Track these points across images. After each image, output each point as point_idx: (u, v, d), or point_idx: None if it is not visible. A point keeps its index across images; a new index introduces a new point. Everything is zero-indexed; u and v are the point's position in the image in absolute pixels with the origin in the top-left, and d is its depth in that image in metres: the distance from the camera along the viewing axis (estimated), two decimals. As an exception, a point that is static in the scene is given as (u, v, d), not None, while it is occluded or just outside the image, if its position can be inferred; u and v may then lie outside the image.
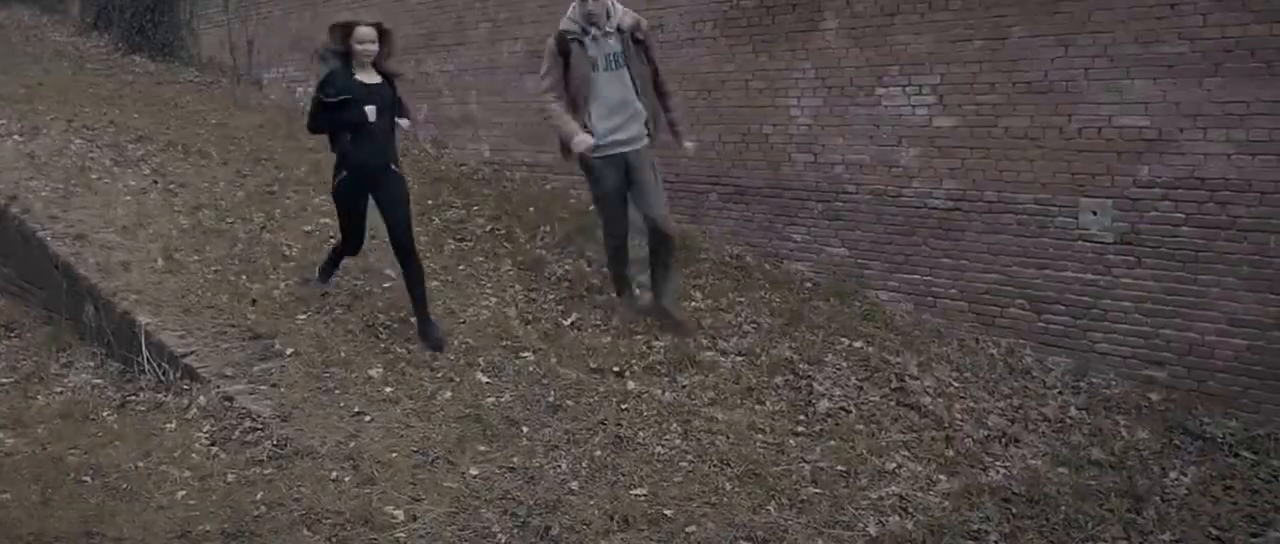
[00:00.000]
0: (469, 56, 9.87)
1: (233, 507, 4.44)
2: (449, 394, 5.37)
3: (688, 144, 6.43)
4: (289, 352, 5.84)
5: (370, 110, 5.82)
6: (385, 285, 6.69)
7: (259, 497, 4.52)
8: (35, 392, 6.10)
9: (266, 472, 4.75)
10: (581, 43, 6.03)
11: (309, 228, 7.68)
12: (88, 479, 4.82)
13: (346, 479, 4.67)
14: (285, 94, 12.33)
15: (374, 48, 5.91)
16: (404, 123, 6.22)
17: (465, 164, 9.77)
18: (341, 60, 5.95)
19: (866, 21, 6.87)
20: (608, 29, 6.02)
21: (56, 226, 7.34)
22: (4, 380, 6.33)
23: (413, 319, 6.09)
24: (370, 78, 5.95)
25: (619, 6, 6.09)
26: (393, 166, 6.05)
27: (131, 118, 10.29)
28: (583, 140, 6.02)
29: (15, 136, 9.27)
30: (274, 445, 4.96)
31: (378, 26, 5.99)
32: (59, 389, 6.12)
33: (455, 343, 6.02)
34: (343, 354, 5.80)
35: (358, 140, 5.86)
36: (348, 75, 5.90)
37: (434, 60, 10.29)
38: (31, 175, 8.28)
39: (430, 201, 8.47)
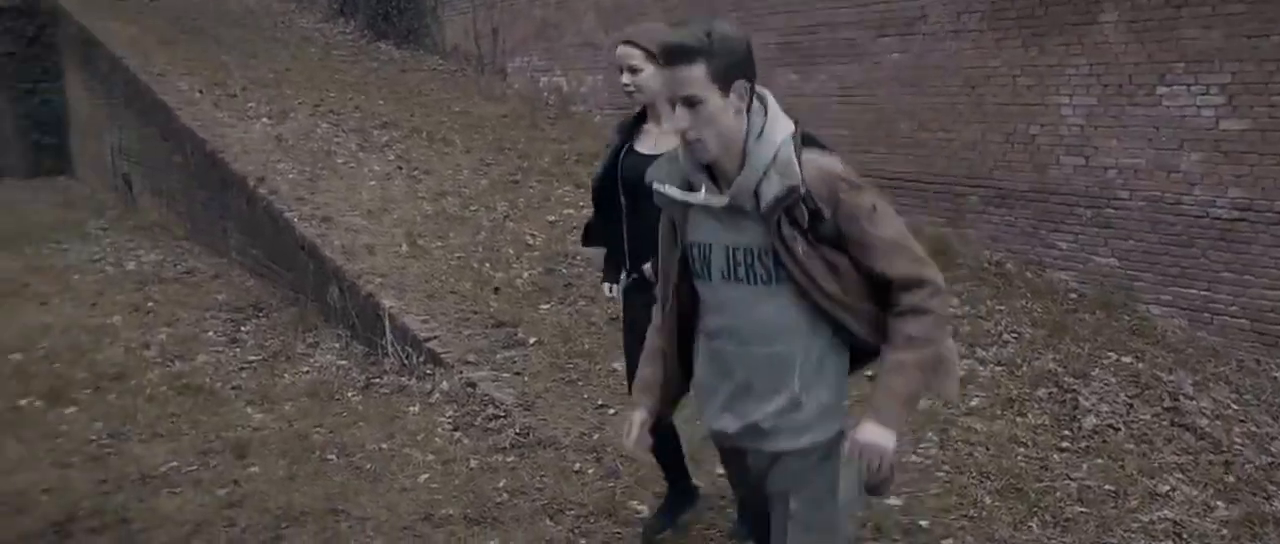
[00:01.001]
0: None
1: (475, 492, 4.44)
2: (696, 392, 5.22)
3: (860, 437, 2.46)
4: (532, 341, 5.83)
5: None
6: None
7: (501, 484, 4.51)
8: (282, 370, 6.32)
9: (509, 459, 4.74)
10: (673, 220, 2.63)
11: (552, 218, 7.71)
12: (332, 457, 4.92)
13: (590, 471, 4.60)
14: (529, 84, 12.49)
15: (641, 82, 3.57)
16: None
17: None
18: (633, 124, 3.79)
19: (1149, 14, 6.35)
20: (736, 197, 2.44)
21: (303, 209, 7.58)
22: (253, 358, 6.59)
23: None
24: (666, 139, 3.49)
25: (777, 139, 2.43)
26: None
27: (376, 104, 10.62)
28: (629, 436, 2.77)
29: (264, 120, 9.69)
30: (516, 433, 4.95)
31: (643, 42, 3.53)
32: (305, 368, 6.31)
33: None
34: (586, 346, 5.75)
35: (633, 232, 3.72)
36: (626, 146, 3.73)
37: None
38: (279, 158, 8.61)
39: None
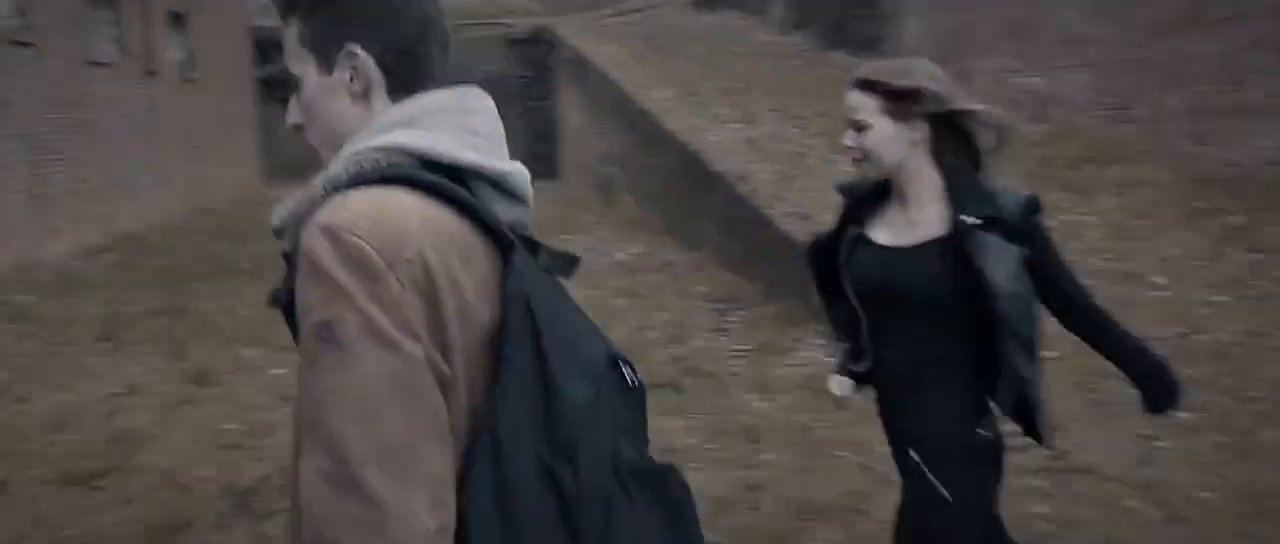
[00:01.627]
0: (1251, 33, 8.36)
1: (1010, 514, 3.99)
2: (1274, 435, 4.44)
3: None
4: (1054, 355, 5.24)
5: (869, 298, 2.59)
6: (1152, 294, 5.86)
7: (1040, 510, 4.04)
8: (773, 362, 6.36)
9: (1038, 484, 4.22)
10: None
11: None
12: (844, 454, 4.76)
13: (1141, 508, 4.02)
14: (995, 86, 11.50)
15: (873, 144, 2.46)
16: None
17: (1237, 163, 8.22)
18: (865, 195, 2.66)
19: None
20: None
21: (780, 207, 7.71)
22: (741, 347, 6.74)
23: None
24: (912, 228, 2.47)
25: (367, 143, 1.35)
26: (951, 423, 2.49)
27: (839, 109, 10.56)
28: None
29: (735, 124, 10.13)
30: (1048, 457, 4.39)
31: (881, 84, 2.46)
32: (793, 362, 6.30)
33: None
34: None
35: (877, 340, 2.65)
36: (857, 231, 2.61)
37: (1201, 39, 8.85)
38: (753, 159, 8.90)
39: (1199, 204, 7.45)
